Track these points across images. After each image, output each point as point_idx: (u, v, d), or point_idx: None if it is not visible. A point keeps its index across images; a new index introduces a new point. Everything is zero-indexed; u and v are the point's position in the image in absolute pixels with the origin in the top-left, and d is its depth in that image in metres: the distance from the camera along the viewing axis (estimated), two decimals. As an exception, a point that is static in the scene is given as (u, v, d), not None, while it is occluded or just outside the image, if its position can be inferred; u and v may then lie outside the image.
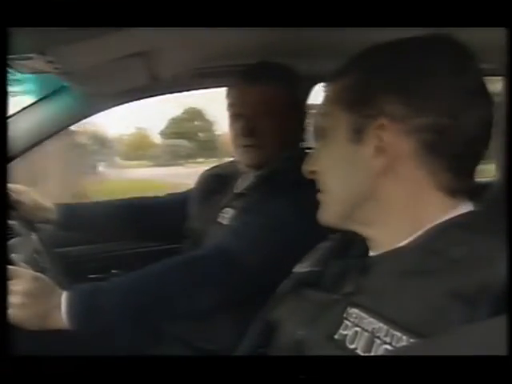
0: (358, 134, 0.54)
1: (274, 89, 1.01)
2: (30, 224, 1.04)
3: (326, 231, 0.63)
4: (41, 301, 0.75)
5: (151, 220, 1.24)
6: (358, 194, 0.56)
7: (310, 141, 1.09)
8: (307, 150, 0.92)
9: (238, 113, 1.04)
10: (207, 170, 1.23)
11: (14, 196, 1.04)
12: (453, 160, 0.52)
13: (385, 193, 0.54)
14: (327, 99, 0.60)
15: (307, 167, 0.62)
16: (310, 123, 1.07)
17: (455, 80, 0.52)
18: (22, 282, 0.74)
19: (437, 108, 0.51)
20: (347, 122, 0.55)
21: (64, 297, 0.77)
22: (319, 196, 0.61)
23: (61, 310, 0.76)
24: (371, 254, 0.58)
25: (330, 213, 0.59)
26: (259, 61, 1.06)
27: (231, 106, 1.06)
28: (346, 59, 0.59)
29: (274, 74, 1.03)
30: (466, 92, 0.52)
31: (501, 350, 0.34)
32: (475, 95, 0.52)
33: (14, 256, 0.79)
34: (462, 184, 0.53)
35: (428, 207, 0.52)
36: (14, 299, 0.73)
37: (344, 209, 0.58)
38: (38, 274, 0.78)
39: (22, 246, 0.90)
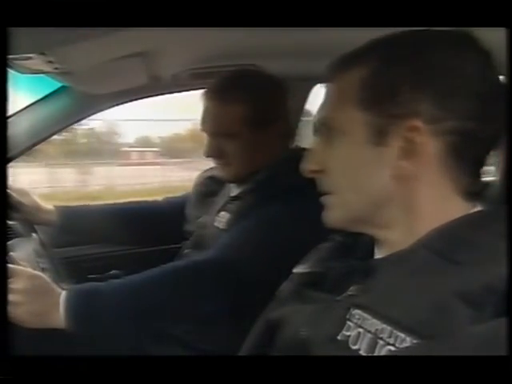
0: (380, 137, 0.51)
1: (238, 107, 0.94)
2: (31, 225, 1.04)
3: (325, 233, 0.62)
4: (39, 299, 0.75)
5: (151, 224, 1.24)
6: (376, 197, 0.53)
7: (306, 140, 1.07)
8: (304, 152, 0.90)
9: (203, 129, 0.99)
10: (204, 172, 1.23)
11: (15, 197, 1.04)
12: (473, 164, 0.52)
13: (407, 195, 0.51)
14: (333, 94, 0.55)
15: (308, 166, 0.58)
16: (312, 119, 1.03)
17: (480, 81, 0.50)
18: (20, 279, 0.75)
19: (466, 110, 0.49)
20: (365, 123, 0.51)
21: (63, 296, 0.77)
22: (324, 198, 0.57)
23: (59, 309, 0.76)
24: (377, 255, 0.57)
25: (339, 215, 0.56)
26: (229, 72, 0.99)
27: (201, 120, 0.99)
28: (351, 49, 0.53)
29: (242, 90, 0.95)
30: (490, 93, 0.50)
31: (502, 351, 0.34)
32: (496, 96, 0.51)
33: (13, 254, 0.79)
34: (477, 187, 0.53)
35: (448, 211, 0.51)
36: (12, 297, 0.73)
37: (358, 211, 0.55)
38: (37, 273, 0.78)
39: (22, 247, 0.90)
